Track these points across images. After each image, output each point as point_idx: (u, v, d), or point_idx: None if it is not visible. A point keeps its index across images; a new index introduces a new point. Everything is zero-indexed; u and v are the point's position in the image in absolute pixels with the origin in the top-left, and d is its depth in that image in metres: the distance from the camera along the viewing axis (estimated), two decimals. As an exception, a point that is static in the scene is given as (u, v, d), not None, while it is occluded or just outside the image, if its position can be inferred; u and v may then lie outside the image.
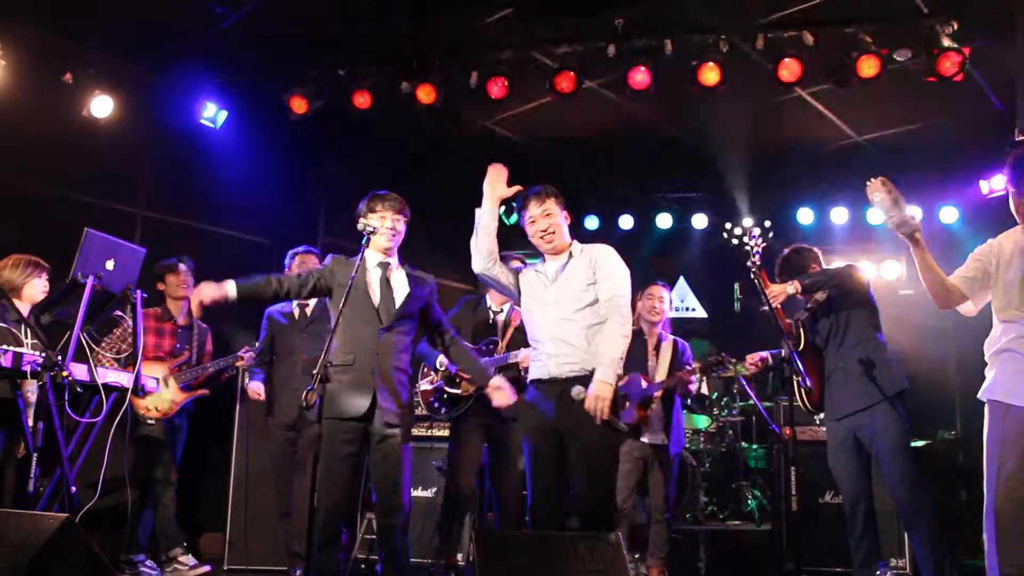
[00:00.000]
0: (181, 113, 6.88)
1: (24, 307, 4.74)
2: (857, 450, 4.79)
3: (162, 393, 5.68)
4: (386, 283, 4.34)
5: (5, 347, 4.04)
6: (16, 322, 4.65)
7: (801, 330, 5.05)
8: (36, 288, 4.80)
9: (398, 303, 4.30)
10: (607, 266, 4.12)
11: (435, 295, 4.59)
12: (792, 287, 4.74)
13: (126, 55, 6.60)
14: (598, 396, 3.79)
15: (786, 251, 5.26)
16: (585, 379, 3.90)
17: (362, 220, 4.33)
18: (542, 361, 4.08)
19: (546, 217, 4.16)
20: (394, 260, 4.47)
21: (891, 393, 4.67)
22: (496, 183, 4.21)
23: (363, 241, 4.23)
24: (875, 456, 4.73)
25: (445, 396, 5.48)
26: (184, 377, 5.82)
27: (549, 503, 3.97)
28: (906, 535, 5.40)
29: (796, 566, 4.34)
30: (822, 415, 5.27)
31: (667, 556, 5.71)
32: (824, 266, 5.18)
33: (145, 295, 4.58)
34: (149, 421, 5.64)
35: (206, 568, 5.79)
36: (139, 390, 4.69)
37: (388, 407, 4.13)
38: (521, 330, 5.54)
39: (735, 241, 4.62)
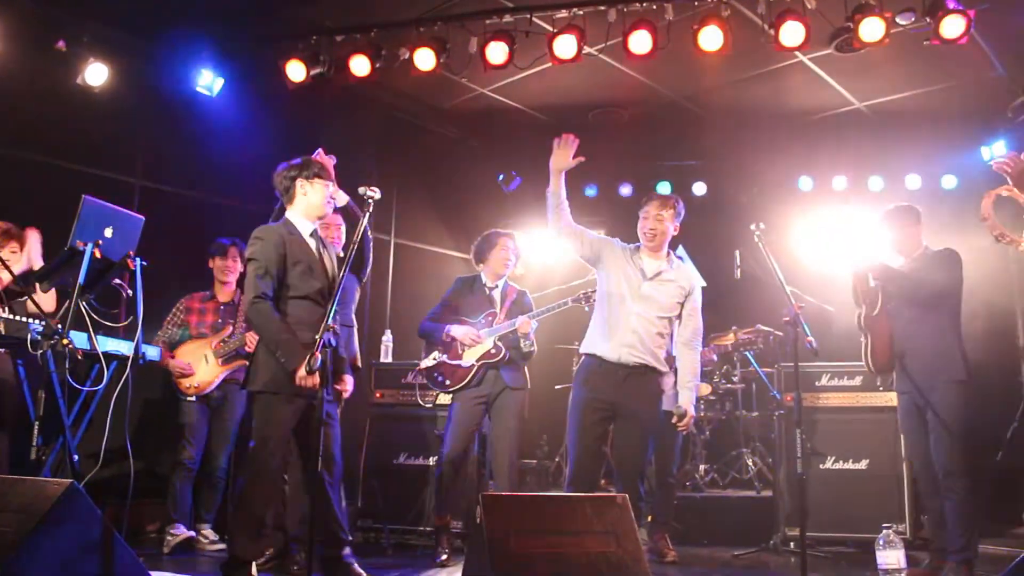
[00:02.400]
0: (177, 81, 6.81)
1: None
2: (921, 419, 4.92)
3: (201, 370, 5.84)
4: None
5: None
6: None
7: (879, 293, 5.11)
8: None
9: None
10: (697, 299, 4.84)
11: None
12: None
13: (120, 22, 6.52)
14: (690, 416, 4.67)
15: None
16: (645, 369, 4.63)
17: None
18: (612, 344, 4.63)
19: (658, 221, 4.77)
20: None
21: (957, 378, 4.81)
22: (560, 157, 4.70)
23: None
24: (928, 424, 4.86)
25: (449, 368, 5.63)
26: (225, 349, 5.87)
27: (590, 466, 4.64)
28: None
29: (800, 531, 4.35)
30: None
31: (669, 522, 5.76)
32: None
33: (145, 263, 4.53)
34: (189, 398, 5.80)
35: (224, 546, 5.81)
36: (139, 359, 4.65)
37: None
38: (517, 303, 5.62)
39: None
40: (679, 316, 4.83)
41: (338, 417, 4.50)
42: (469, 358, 5.51)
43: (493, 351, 5.49)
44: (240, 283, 5.99)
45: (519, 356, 5.57)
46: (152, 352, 5.09)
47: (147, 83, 6.75)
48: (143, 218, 4.66)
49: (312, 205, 4.48)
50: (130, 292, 4.53)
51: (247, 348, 5.69)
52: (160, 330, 6.02)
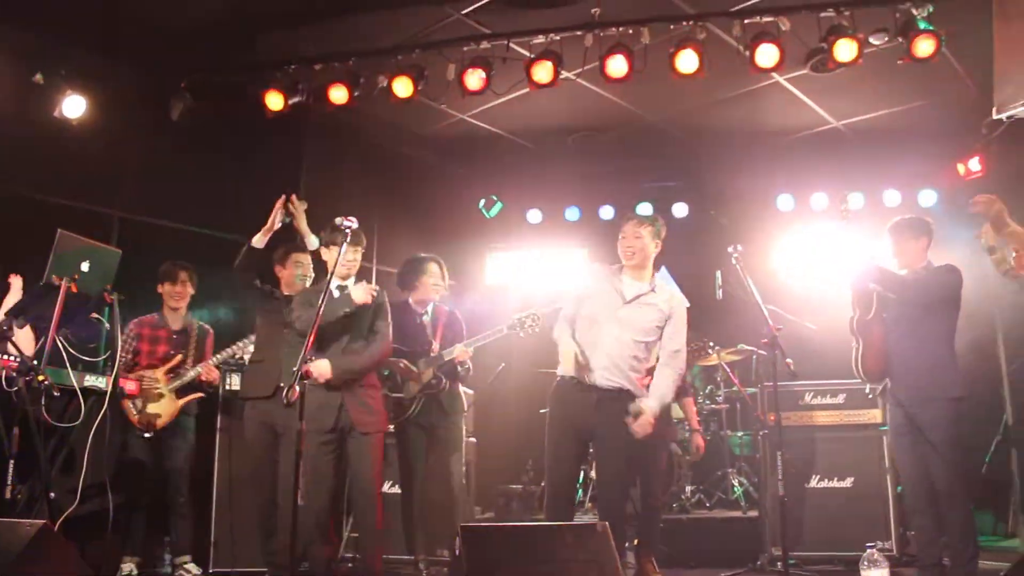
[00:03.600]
0: (155, 111, 6.78)
1: None
2: (913, 433, 4.91)
3: (155, 406, 5.65)
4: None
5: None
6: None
7: (874, 298, 5.14)
8: None
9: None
10: (678, 321, 4.71)
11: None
12: None
13: (98, 53, 6.51)
14: (649, 423, 4.43)
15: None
16: (619, 393, 4.52)
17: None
18: (591, 368, 4.54)
19: (636, 239, 4.70)
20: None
21: (951, 395, 4.82)
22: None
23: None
24: (928, 442, 4.85)
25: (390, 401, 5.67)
26: (177, 381, 5.74)
27: (563, 492, 4.58)
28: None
29: (784, 551, 4.34)
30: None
31: (656, 545, 5.73)
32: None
33: (122, 298, 4.51)
34: (144, 434, 5.60)
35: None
36: (120, 393, 4.62)
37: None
38: (449, 327, 5.67)
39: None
40: (660, 339, 4.72)
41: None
42: (410, 391, 5.64)
43: (434, 381, 5.59)
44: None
45: (453, 378, 5.77)
46: (131, 386, 5.05)
47: (125, 114, 6.72)
48: (120, 252, 4.64)
49: (331, 266, 4.84)
50: (108, 326, 4.50)
51: (202, 379, 5.65)
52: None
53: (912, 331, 4.92)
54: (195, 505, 5.95)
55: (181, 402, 5.73)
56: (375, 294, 4.82)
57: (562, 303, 4.89)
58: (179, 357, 5.80)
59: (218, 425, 6.07)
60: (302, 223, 5.46)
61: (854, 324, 5.11)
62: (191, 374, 5.74)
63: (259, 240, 5.52)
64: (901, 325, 4.99)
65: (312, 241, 5.38)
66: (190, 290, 5.95)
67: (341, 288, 4.97)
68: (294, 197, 5.41)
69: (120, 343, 5.56)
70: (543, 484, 7.58)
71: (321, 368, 4.68)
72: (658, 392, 4.57)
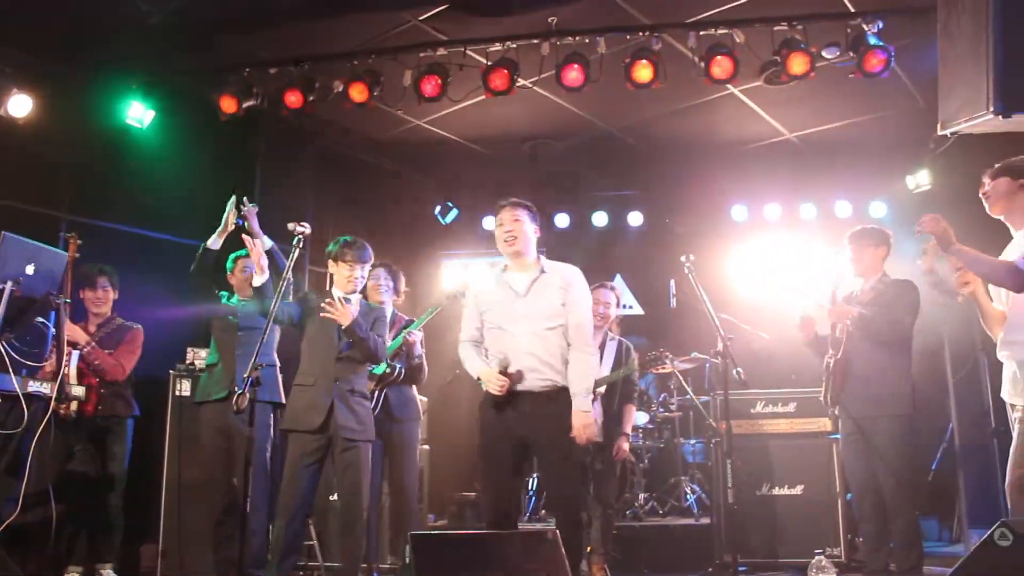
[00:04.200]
0: (106, 113, 6.67)
1: None
2: (864, 443, 5.00)
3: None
4: None
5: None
6: None
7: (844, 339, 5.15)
8: None
9: None
10: (575, 291, 4.39)
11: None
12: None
13: (45, 52, 6.38)
14: (584, 424, 4.13)
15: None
16: (552, 392, 4.22)
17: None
18: (513, 372, 4.25)
19: (514, 222, 4.40)
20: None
21: (901, 412, 4.92)
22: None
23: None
24: (876, 451, 4.95)
25: None
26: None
27: (502, 506, 4.19)
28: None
29: (734, 558, 4.38)
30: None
31: (609, 552, 5.74)
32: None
33: (68, 301, 4.42)
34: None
35: None
36: (64, 399, 4.52)
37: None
38: (396, 323, 5.70)
39: None
40: None
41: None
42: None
43: (388, 371, 5.51)
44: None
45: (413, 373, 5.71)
46: (78, 391, 4.95)
47: (75, 114, 6.57)
48: (67, 254, 4.54)
49: (339, 281, 4.97)
50: (54, 331, 4.41)
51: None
52: None
53: (869, 353, 5.00)
54: (139, 513, 5.84)
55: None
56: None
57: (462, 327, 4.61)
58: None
59: (167, 431, 5.97)
60: (254, 224, 5.41)
61: (830, 367, 5.13)
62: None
63: (214, 241, 5.53)
64: (859, 348, 5.06)
65: (265, 242, 5.33)
66: (113, 293, 5.81)
67: (345, 300, 4.99)
68: (245, 199, 5.36)
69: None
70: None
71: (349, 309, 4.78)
72: (577, 384, 4.23)
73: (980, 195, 4.10)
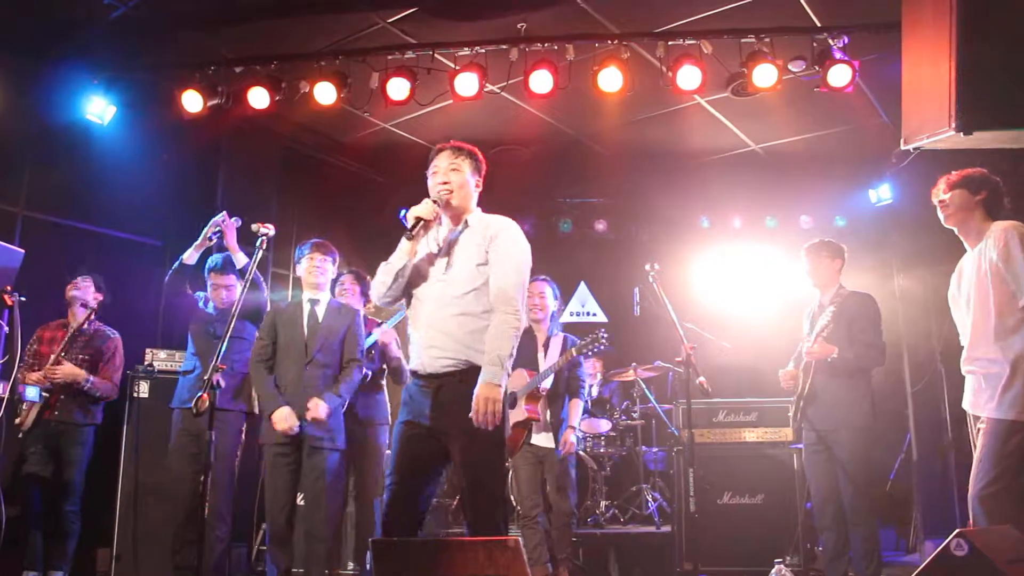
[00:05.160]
0: (66, 107, 6.54)
1: None
2: (826, 453, 5.06)
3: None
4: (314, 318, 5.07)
5: None
6: None
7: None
8: None
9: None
10: (502, 246, 3.58)
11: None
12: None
13: (4, 45, 6.25)
14: (486, 398, 3.33)
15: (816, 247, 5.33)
16: (463, 374, 3.47)
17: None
18: (417, 352, 3.58)
19: (453, 172, 3.66)
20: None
21: (861, 424, 4.98)
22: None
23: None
24: (836, 460, 5.02)
25: None
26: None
27: (404, 508, 3.50)
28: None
29: (694, 566, 4.38)
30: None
31: (569, 558, 5.70)
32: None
33: (23, 298, 4.32)
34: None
35: None
36: (16, 399, 4.43)
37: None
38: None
39: None
40: None
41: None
42: None
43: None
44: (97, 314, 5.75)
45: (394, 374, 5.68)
46: (32, 393, 4.85)
47: (34, 108, 6.46)
48: (23, 252, 4.44)
49: (304, 279, 5.18)
50: (7, 329, 4.31)
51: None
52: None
53: (830, 370, 5.05)
54: (94, 516, 5.73)
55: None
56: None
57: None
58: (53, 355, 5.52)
59: (124, 434, 5.86)
60: (231, 240, 5.36)
61: (804, 390, 5.17)
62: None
63: (190, 256, 5.48)
64: (821, 366, 5.10)
65: (240, 259, 5.27)
66: (87, 295, 5.71)
67: (312, 301, 5.13)
68: (226, 214, 5.30)
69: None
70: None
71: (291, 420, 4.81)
72: (491, 351, 3.42)
73: (935, 203, 4.14)
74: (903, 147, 4.14)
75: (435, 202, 3.56)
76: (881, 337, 5.07)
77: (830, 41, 5.95)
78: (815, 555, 5.88)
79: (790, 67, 6.13)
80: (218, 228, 5.38)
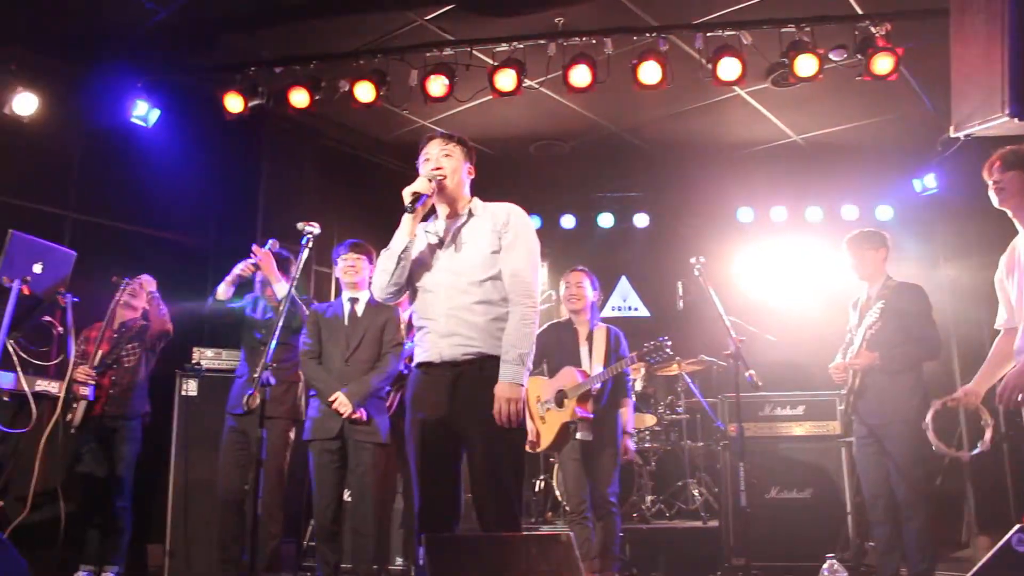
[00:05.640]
0: (111, 111, 6.65)
1: None
2: (877, 446, 4.99)
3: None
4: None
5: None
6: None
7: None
8: None
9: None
10: (513, 232, 3.53)
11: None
12: None
13: (51, 50, 6.37)
14: (508, 399, 3.30)
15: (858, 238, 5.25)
16: (484, 363, 3.42)
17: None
18: (433, 342, 3.50)
19: (445, 158, 3.58)
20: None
21: (913, 419, 4.82)
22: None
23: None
24: (887, 454, 4.94)
25: None
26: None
27: (439, 505, 3.44)
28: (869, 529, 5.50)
29: (745, 561, 4.35)
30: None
31: (613, 555, 5.61)
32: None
33: (76, 299, 4.40)
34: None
35: None
36: (73, 397, 4.51)
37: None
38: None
39: None
40: None
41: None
42: None
43: (406, 372, 5.43)
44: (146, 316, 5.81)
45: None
46: (86, 391, 4.93)
47: (80, 113, 6.60)
48: (74, 253, 4.52)
49: (343, 280, 5.30)
50: (61, 330, 4.39)
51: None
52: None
53: (888, 358, 4.97)
54: (145, 513, 5.82)
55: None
56: None
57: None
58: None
59: (173, 431, 5.94)
60: (271, 271, 5.27)
61: (855, 384, 5.11)
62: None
63: (224, 291, 5.42)
64: (876, 350, 5.03)
65: (280, 288, 5.24)
66: (132, 299, 5.76)
67: (352, 300, 5.19)
68: (256, 247, 5.27)
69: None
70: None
71: (341, 404, 4.90)
72: (511, 349, 3.39)
73: (988, 181, 3.99)
74: (953, 135, 4.04)
75: (429, 181, 3.51)
76: (934, 329, 4.98)
77: (872, 29, 5.86)
78: (866, 551, 5.81)
79: (831, 56, 6.06)
80: (253, 263, 5.31)
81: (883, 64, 5.84)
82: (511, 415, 3.31)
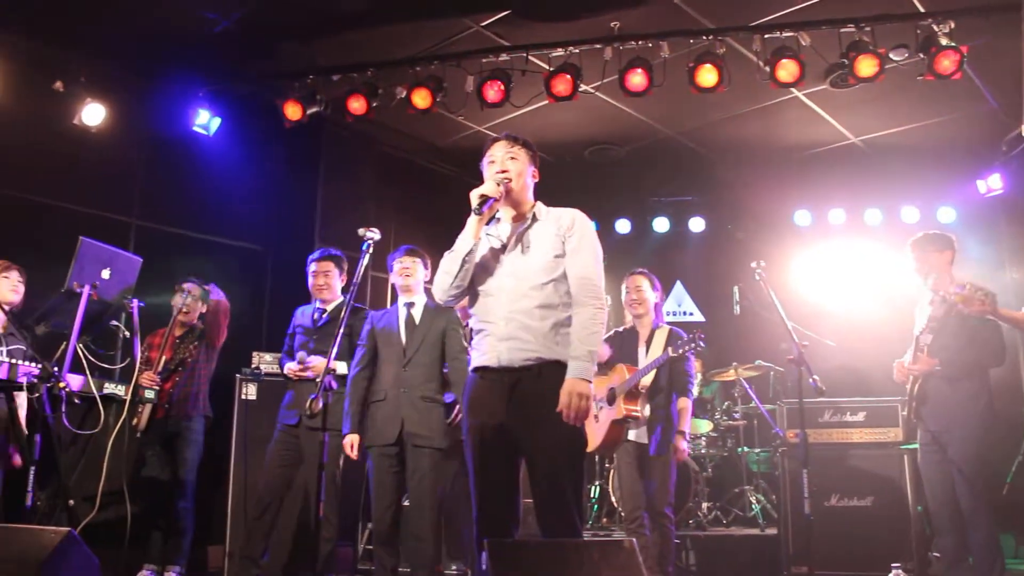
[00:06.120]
0: (174, 120, 6.80)
1: None
2: (942, 454, 4.92)
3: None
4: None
5: None
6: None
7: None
8: (3, 287, 4.71)
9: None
10: (578, 236, 3.50)
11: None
12: None
13: (117, 62, 6.54)
14: (578, 394, 3.25)
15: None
16: (540, 368, 3.38)
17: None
18: (491, 345, 3.45)
19: (511, 160, 3.55)
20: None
21: (977, 426, 4.80)
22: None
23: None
24: (951, 461, 4.86)
25: None
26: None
27: (498, 511, 3.38)
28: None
29: (808, 569, 4.28)
30: None
31: (668, 562, 5.51)
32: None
33: (142, 304, 4.50)
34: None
35: None
36: (139, 400, 4.61)
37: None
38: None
39: None
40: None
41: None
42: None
43: None
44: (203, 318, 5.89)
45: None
46: (151, 394, 5.03)
47: (144, 122, 6.76)
48: (140, 259, 4.63)
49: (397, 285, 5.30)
50: (127, 333, 4.49)
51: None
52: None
53: (948, 364, 4.88)
54: (206, 515, 5.91)
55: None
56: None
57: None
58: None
59: (233, 434, 6.04)
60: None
61: (914, 390, 5.05)
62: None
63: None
64: (937, 355, 4.94)
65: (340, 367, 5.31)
66: (197, 306, 5.85)
67: (408, 304, 5.19)
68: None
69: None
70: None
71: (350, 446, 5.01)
72: (579, 346, 3.35)
73: None
74: (1024, 133, 3.97)
75: (498, 185, 3.49)
76: (998, 334, 4.87)
77: (935, 27, 5.75)
78: (930, 561, 5.68)
79: (891, 56, 5.95)
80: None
81: (947, 63, 5.71)
82: (579, 411, 3.26)
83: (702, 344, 5.15)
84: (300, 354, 5.38)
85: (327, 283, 5.56)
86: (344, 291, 5.28)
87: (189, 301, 5.80)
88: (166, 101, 6.81)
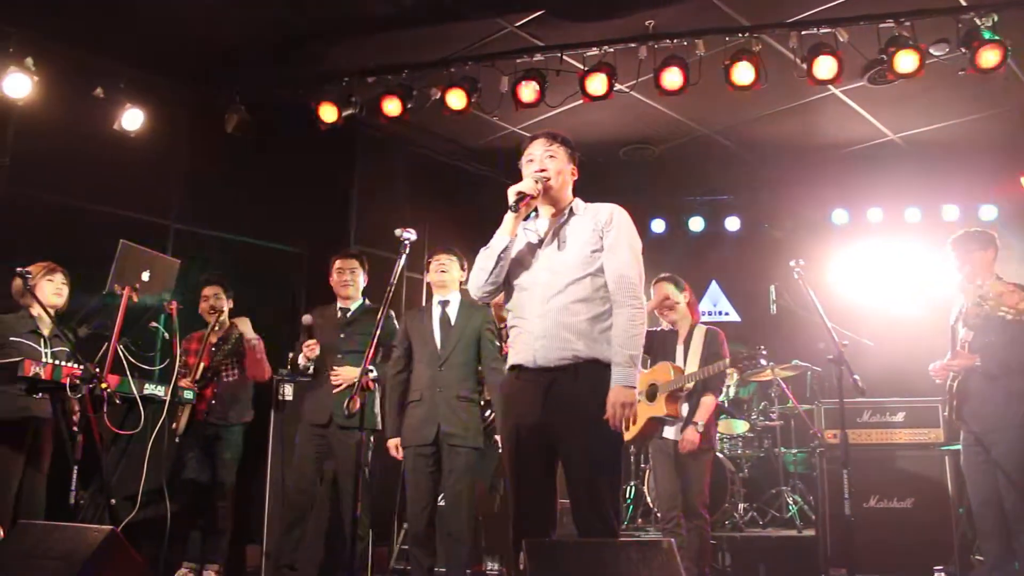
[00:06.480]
0: (210, 124, 6.86)
1: (42, 314, 4.68)
2: (986, 455, 4.83)
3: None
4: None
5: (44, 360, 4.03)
6: (31, 333, 4.67)
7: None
8: (48, 289, 4.77)
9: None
10: (615, 232, 3.46)
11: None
12: None
13: (155, 68, 6.62)
14: (623, 403, 3.24)
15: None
16: (579, 368, 3.34)
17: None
18: (527, 343, 3.42)
19: (549, 159, 3.54)
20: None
21: (1019, 423, 4.71)
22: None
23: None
24: (995, 462, 4.78)
25: None
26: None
27: (534, 511, 3.38)
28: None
29: (848, 571, 4.24)
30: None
31: (700, 562, 5.45)
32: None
33: (181, 306, 4.55)
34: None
35: None
36: (178, 400, 4.66)
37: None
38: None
39: None
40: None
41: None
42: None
43: None
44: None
45: None
46: (190, 394, 5.08)
47: (181, 127, 6.84)
48: (179, 261, 4.69)
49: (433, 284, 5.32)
50: (167, 335, 4.55)
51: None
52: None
53: (989, 361, 4.80)
54: (243, 514, 5.95)
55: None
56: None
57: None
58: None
59: (270, 435, 6.08)
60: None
61: (952, 388, 4.97)
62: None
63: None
64: (977, 352, 4.86)
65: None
66: (221, 304, 5.85)
67: (443, 303, 5.19)
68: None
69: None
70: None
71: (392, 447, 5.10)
72: (621, 350, 3.32)
73: None
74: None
75: (536, 183, 3.48)
76: None
77: (977, 21, 5.64)
78: (972, 564, 5.58)
79: (932, 51, 5.86)
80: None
81: (989, 57, 5.61)
82: (623, 419, 3.26)
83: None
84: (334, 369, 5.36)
85: (353, 280, 5.54)
86: (365, 293, 5.31)
87: (212, 302, 5.79)
88: (202, 105, 6.88)
